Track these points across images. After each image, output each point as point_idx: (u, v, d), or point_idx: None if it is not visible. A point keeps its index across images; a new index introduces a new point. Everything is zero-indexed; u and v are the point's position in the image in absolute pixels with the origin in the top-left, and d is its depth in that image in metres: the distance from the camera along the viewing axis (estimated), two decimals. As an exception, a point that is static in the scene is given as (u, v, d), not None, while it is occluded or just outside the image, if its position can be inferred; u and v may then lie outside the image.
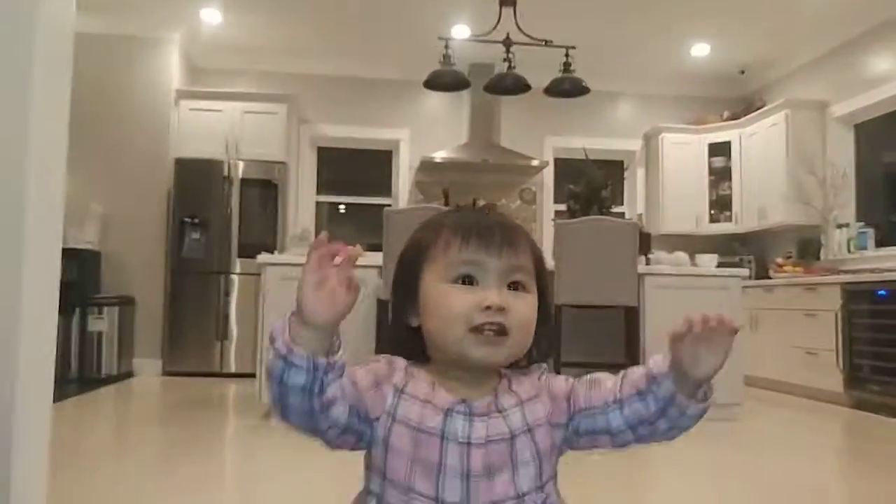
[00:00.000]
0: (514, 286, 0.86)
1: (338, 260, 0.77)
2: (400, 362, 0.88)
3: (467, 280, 0.85)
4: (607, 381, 0.91)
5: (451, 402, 0.84)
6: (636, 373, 0.89)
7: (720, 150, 7.32)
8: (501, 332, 0.83)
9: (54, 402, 1.70)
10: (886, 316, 4.71)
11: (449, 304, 0.84)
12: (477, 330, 0.83)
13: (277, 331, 0.78)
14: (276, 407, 0.82)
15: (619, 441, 0.89)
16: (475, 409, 0.84)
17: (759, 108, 7.04)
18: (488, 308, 0.83)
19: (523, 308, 0.85)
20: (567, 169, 7.01)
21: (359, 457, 2.98)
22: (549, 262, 3.86)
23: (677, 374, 0.84)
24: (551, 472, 0.88)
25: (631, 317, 4.11)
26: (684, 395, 0.84)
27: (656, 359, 0.87)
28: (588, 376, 0.92)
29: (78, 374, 5.59)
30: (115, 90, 6.27)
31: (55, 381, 1.71)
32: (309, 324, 0.77)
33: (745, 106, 7.41)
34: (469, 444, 0.82)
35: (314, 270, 0.77)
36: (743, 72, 7.29)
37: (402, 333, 0.91)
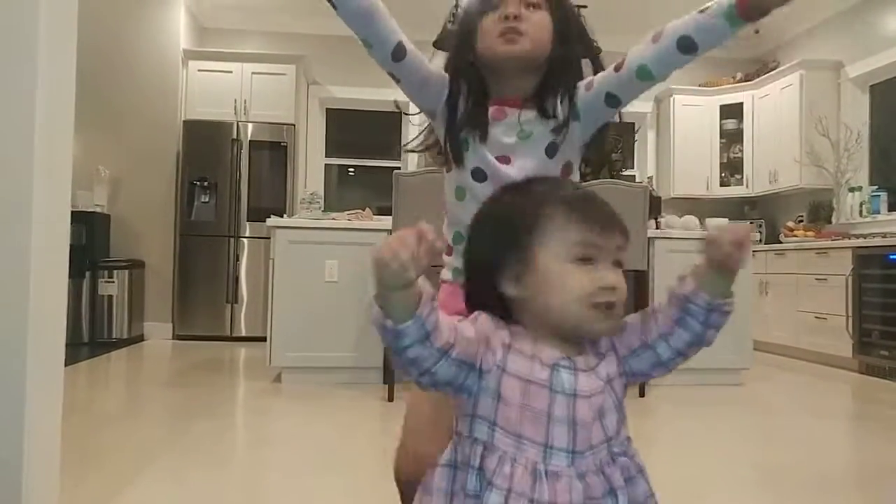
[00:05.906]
0: (618, 263, 0.96)
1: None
2: (500, 321, 0.97)
3: (585, 260, 0.93)
4: (637, 318, 1.00)
5: (556, 357, 0.93)
6: (665, 306, 0.98)
7: (732, 112, 7.23)
8: (615, 307, 0.93)
9: (66, 365, 1.72)
10: (898, 280, 4.69)
11: (572, 283, 0.93)
12: (597, 307, 0.92)
13: (374, 316, 0.85)
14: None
15: (672, 366, 1.00)
16: (578, 365, 0.94)
17: (772, 69, 6.94)
18: (604, 288, 0.92)
19: (624, 285, 0.94)
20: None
21: (362, 420, 2.98)
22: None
23: (709, 277, 0.95)
24: (624, 415, 0.98)
25: (640, 281, 4.10)
26: (718, 296, 0.95)
27: (681, 282, 0.97)
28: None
29: (89, 337, 5.65)
30: (123, 50, 6.23)
31: (67, 345, 1.72)
32: (389, 288, 0.82)
33: (758, 67, 7.30)
34: (575, 395, 0.92)
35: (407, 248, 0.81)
36: (757, 31, 7.15)
37: (490, 300, 0.97)
